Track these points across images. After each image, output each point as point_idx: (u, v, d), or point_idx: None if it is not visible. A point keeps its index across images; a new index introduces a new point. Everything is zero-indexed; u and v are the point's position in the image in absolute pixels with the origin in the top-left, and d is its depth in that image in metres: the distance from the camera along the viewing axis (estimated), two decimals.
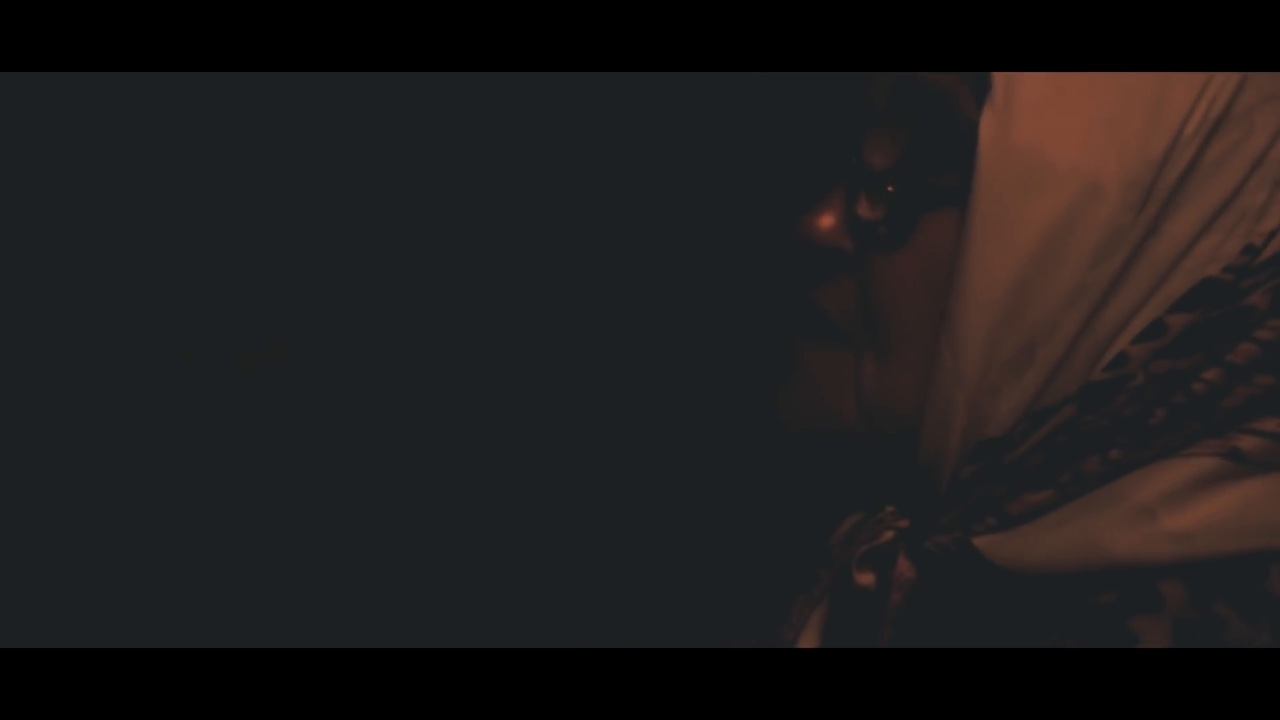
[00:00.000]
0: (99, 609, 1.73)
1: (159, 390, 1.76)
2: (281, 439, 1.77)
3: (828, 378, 0.97)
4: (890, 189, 0.94)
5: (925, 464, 0.94)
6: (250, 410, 1.77)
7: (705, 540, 1.76)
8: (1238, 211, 0.89)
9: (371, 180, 1.79)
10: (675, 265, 1.79)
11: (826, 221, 0.97)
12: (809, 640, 1.00)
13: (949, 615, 0.92)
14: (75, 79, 1.67)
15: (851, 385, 0.96)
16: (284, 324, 1.78)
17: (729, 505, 1.75)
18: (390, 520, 1.78)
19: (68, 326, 1.75)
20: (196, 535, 1.76)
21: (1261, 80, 0.90)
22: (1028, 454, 0.91)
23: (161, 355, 1.76)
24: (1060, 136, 0.89)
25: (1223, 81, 0.89)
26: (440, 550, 1.78)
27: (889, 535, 0.96)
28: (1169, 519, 0.87)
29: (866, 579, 0.96)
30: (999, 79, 0.91)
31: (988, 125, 0.90)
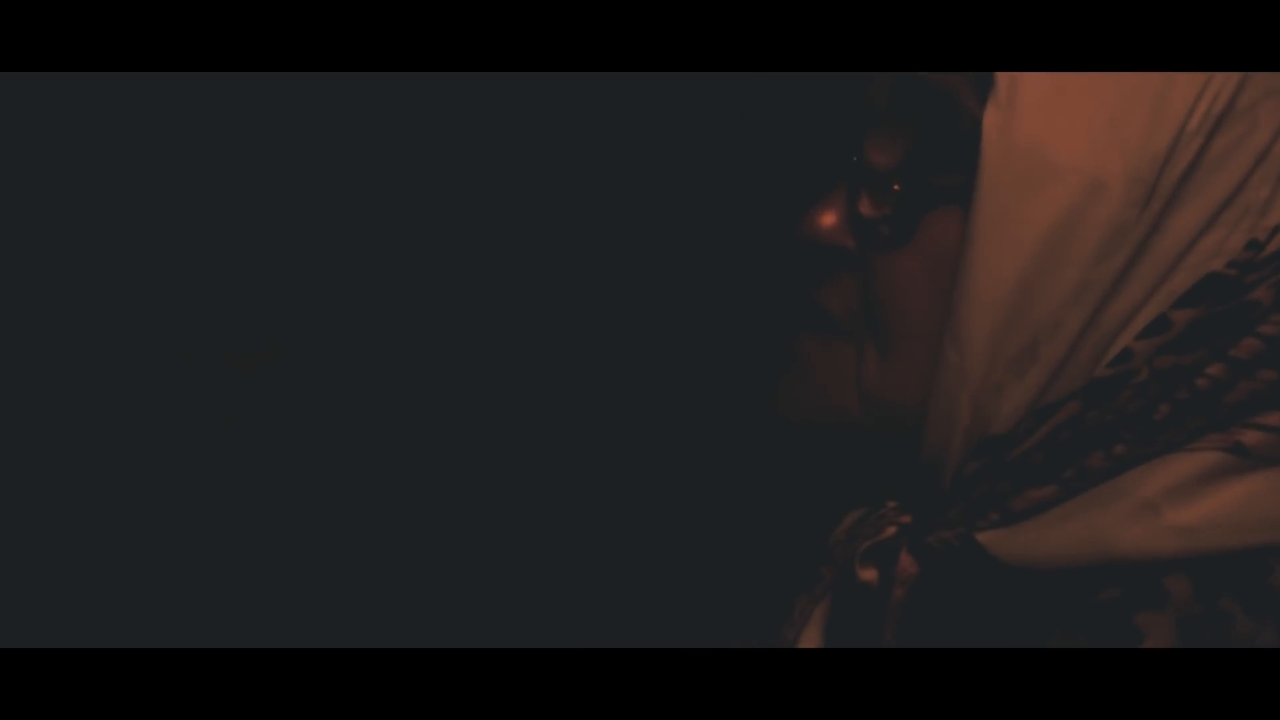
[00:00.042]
0: (99, 609, 1.73)
1: (158, 390, 1.76)
2: (281, 439, 1.77)
3: (830, 372, 0.96)
4: (896, 187, 0.94)
5: (928, 461, 0.94)
6: (250, 410, 1.77)
7: (706, 537, 1.76)
8: (1241, 207, 0.89)
9: (370, 180, 1.79)
10: (678, 264, 1.79)
11: (829, 220, 0.97)
12: (811, 637, 0.99)
13: (952, 611, 0.92)
14: (75, 79, 1.67)
15: (853, 380, 0.96)
16: (283, 324, 1.78)
17: (731, 502, 1.75)
18: (390, 520, 1.78)
19: (67, 326, 1.75)
20: (196, 535, 1.76)
21: (1264, 75, 0.90)
22: (1031, 450, 0.90)
23: (161, 355, 1.76)
24: (1063, 134, 0.89)
25: (1225, 77, 0.89)
26: (440, 550, 1.78)
27: (891, 531, 0.96)
28: (1173, 514, 0.87)
29: (869, 575, 0.96)
30: (1002, 78, 0.90)
31: (991, 123, 0.90)
